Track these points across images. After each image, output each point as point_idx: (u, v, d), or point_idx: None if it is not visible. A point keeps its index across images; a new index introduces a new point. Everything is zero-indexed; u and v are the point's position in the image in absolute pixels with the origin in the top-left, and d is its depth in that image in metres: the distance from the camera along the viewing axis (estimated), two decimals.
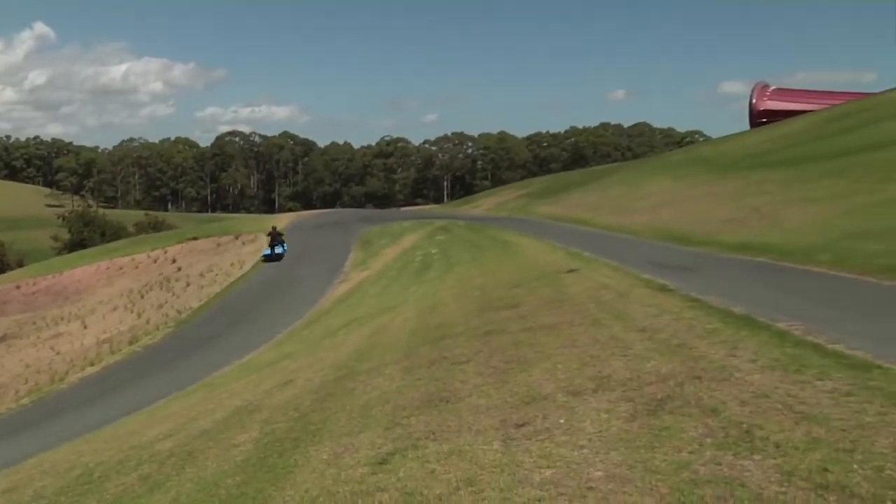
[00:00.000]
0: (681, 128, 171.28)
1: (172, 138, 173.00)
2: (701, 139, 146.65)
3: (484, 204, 69.45)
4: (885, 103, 38.32)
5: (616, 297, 11.65)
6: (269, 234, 38.67)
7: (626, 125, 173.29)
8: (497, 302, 13.58)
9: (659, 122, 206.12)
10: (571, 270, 15.95)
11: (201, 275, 37.41)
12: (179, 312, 31.04)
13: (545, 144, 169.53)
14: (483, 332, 10.57)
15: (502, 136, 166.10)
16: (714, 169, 37.73)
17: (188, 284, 36.17)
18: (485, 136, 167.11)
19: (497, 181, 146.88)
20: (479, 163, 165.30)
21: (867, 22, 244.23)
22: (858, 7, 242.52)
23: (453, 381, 7.92)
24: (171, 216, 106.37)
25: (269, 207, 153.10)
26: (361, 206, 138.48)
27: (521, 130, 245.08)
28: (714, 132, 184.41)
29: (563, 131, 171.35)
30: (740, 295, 10.97)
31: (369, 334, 14.98)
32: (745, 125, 65.57)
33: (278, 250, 37.63)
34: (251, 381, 13.51)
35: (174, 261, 42.92)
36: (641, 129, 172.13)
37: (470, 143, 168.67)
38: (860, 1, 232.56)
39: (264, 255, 38.08)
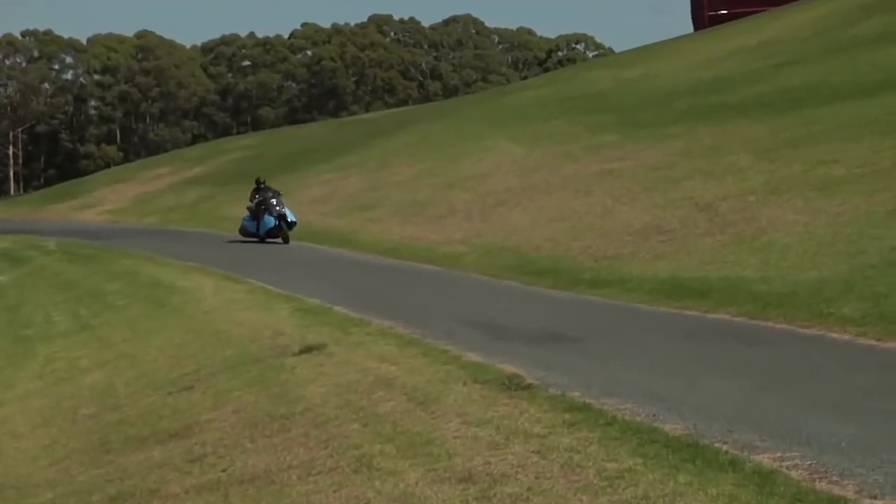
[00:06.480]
0: (544, 30, 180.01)
1: None
2: (590, 55, 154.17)
3: (108, 198, 68.56)
4: None
5: (409, 406, 11.90)
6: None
7: (426, 22, 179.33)
8: (139, 426, 13.62)
9: (498, 19, 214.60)
10: (310, 349, 16.17)
11: None
12: None
13: (246, 63, 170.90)
14: (103, 501, 10.55)
15: (146, 45, 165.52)
16: (615, 120, 39.82)
17: None
18: (101, 42, 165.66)
19: (136, 147, 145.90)
20: (93, 103, 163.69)
21: None
22: None
23: None
24: None
25: None
26: None
27: (190, 33, 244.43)
28: (614, 41, 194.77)
29: (286, 35, 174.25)
30: (676, 394, 11.60)
31: None
32: (684, 25, 70.27)
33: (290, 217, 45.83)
34: None
35: None
36: (461, 32, 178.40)
37: (68, 57, 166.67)
38: None
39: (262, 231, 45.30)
